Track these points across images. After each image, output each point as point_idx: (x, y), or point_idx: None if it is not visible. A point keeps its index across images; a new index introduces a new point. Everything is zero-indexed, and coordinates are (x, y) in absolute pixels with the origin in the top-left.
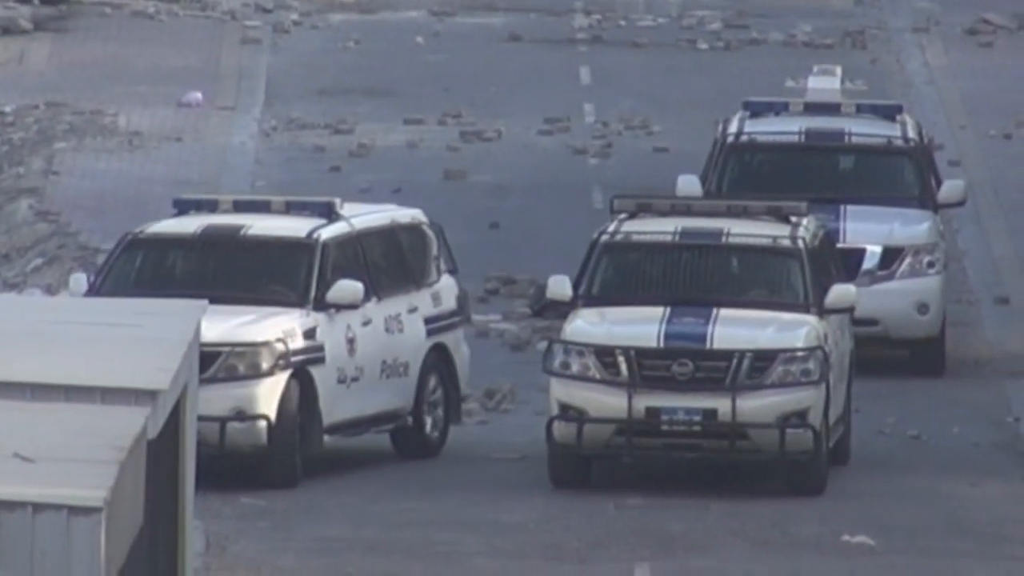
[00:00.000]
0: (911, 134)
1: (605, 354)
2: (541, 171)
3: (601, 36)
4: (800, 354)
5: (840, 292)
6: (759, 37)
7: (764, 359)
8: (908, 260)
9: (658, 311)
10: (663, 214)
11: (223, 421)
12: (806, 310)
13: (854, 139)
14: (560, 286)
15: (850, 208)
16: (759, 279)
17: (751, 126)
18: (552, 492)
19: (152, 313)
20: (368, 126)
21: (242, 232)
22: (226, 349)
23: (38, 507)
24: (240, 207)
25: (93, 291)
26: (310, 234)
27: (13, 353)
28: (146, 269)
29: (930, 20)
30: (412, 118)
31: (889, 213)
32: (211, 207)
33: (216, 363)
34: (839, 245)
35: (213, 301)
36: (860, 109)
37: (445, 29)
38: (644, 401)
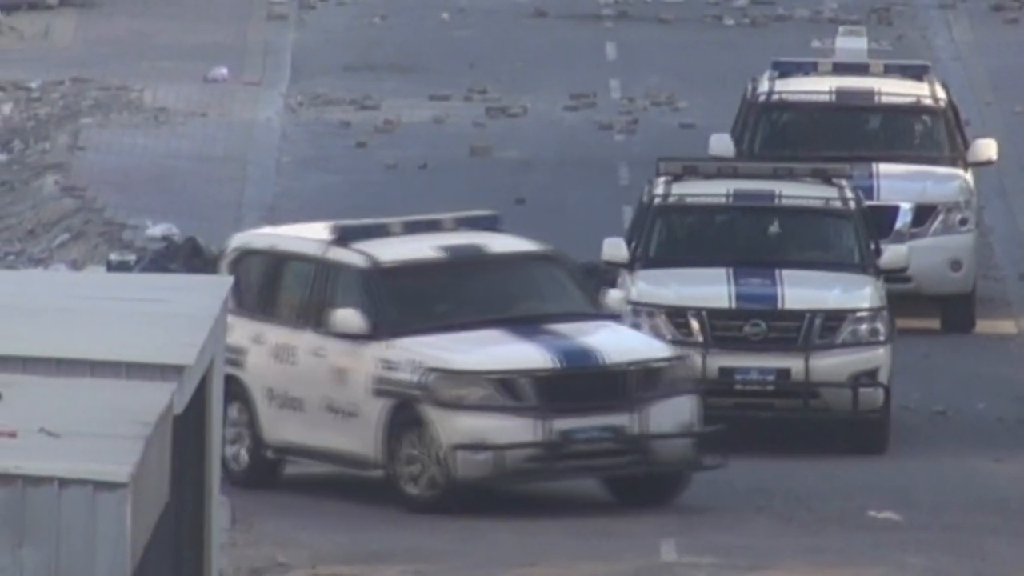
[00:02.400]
0: (939, 93)
1: (677, 315)
2: (567, 147)
3: (627, 12)
4: (867, 314)
5: (894, 252)
6: (785, 13)
7: (834, 319)
8: (941, 217)
9: (721, 272)
10: (709, 176)
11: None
12: (862, 270)
13: (884, 98)
14: (616, 248)
15: (882, 167)
16: (814, 240)
17: (781, 86)
18: None
19: (179, 288)
20: (394, 102)
21: (484, 250)
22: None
23: (64, 482)
24: (411, 228)
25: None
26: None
27: (39, 328)
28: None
29: None
30: (438, 94)
31: (921, 171)
32: (380, 232)
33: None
34: (872, 203)
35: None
36: (888, 69)
37: (470, 5)
38: (718, 361)
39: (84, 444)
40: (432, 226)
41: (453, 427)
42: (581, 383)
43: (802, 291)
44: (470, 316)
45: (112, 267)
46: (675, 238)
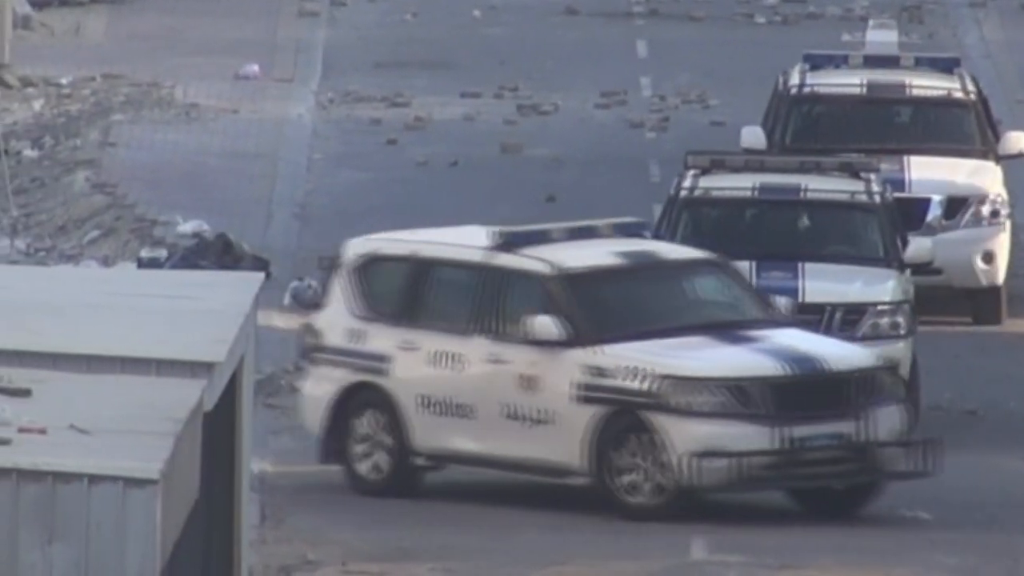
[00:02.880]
0: (970, 87)
1: None
2: (598, 145)
3: (658, 9)
4: (889, 308)
5: (918, 246)
6: (816, 11)
7: (855, 312)
8: (972, 210)
9: (744, 266)
10: (736, 170)
11: None
12: (887, 264)
13: (915, 91)
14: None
15: (913, 159)
16: (838, 234)
17: (813, 78)
18: None
19: (209, 285)
20: (425, 99)
21: (660, 256)
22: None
23: (94, 479)
24: (572, 234)
25: None
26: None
27: (70, 325)
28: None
29: None
30: (469, 91)
31: (953, 163)
32: (543, 238)
33: None
34: (903, 195)
35: None
36: (918, 62)
37: (502, 2)
38: None
39: (114, 441)
40: (590, 232)
41: (689, 434)
42: (811, 390)
43: (824, 284)
44: (667, 322)
45: (143, 264)
46: (701, 231)
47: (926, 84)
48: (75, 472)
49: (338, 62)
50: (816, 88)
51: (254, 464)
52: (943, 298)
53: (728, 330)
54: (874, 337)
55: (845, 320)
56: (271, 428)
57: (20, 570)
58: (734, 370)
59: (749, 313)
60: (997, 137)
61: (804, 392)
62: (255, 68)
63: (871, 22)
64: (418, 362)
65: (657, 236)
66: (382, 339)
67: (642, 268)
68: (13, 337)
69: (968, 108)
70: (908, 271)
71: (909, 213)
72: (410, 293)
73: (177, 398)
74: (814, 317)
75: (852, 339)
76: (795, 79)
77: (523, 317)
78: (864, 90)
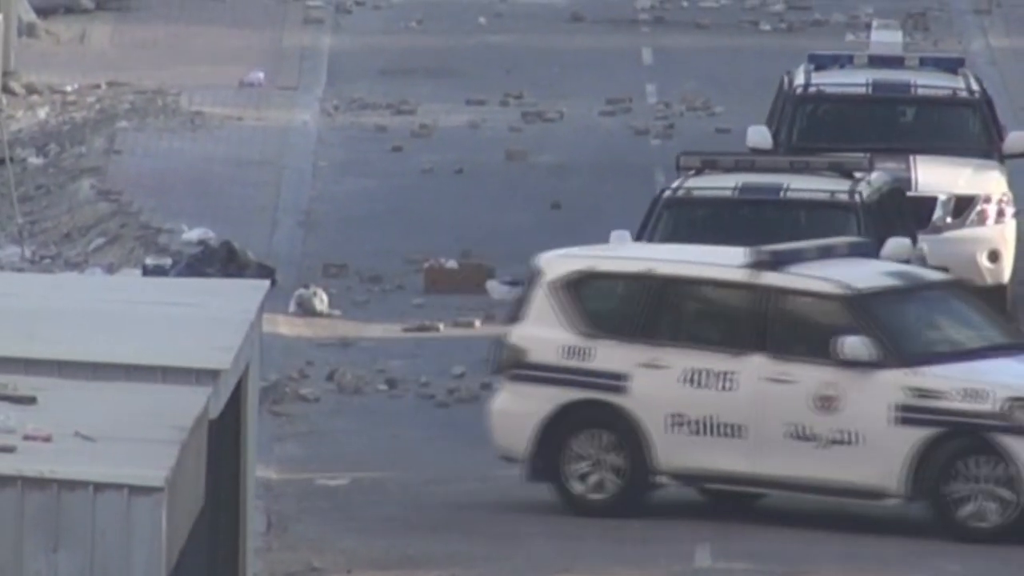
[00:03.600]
0: (975, 86)
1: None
2: (603, 152)
3: (663, 17)
4: None
5: (894, 245)
6: (821, 18)
7: None
8: (978, 209)
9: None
10: (727, 170)
11: None
12: (988, 155)
13: (920, 91)
14: (622, 241)
15: (919, 158)
16: (815, 234)
17: (818, 78)
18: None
19: (214, 292)
20: (430, 106)
21: (925, 277)
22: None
23: (99, 486)
24: (821, 253)
25: None
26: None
27: (75, 332)
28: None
29: (992, 2)
30: (474, 98)
31: (958, 163)
32: (799, 256)
33: None
34: (910, 194)
35: None
36: (923, 62)
37: (507, 9)
38: None
39: (119, 448)
40: (832, 251)
41: None
42: None
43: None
44: (967, 343)
45: (148, 271)
46: (680, 231)
47: (931, 83)
48: (80, 480)
49: (343, 69)
50: (822, 88)
51: (259, 471)
52: None
53: (1015, 351)
54: None
55: None
56: (276, 435)
57: None
58: None
59: (1012, 334)
60: (1002, 137)
61: None
62: (260, 75)
63: (875, 23)
64: (667, 381)
65: (637, 238)
66: (615, 357)
67: (920, 289)
68: (18, 344)
69: (973, 108)
70: None
71: (916, 212)
72: (649, 311)
73: (182, 406)
74: None
75: None
76: (800, 79)
77: (831, 338)
78: (869, 89)
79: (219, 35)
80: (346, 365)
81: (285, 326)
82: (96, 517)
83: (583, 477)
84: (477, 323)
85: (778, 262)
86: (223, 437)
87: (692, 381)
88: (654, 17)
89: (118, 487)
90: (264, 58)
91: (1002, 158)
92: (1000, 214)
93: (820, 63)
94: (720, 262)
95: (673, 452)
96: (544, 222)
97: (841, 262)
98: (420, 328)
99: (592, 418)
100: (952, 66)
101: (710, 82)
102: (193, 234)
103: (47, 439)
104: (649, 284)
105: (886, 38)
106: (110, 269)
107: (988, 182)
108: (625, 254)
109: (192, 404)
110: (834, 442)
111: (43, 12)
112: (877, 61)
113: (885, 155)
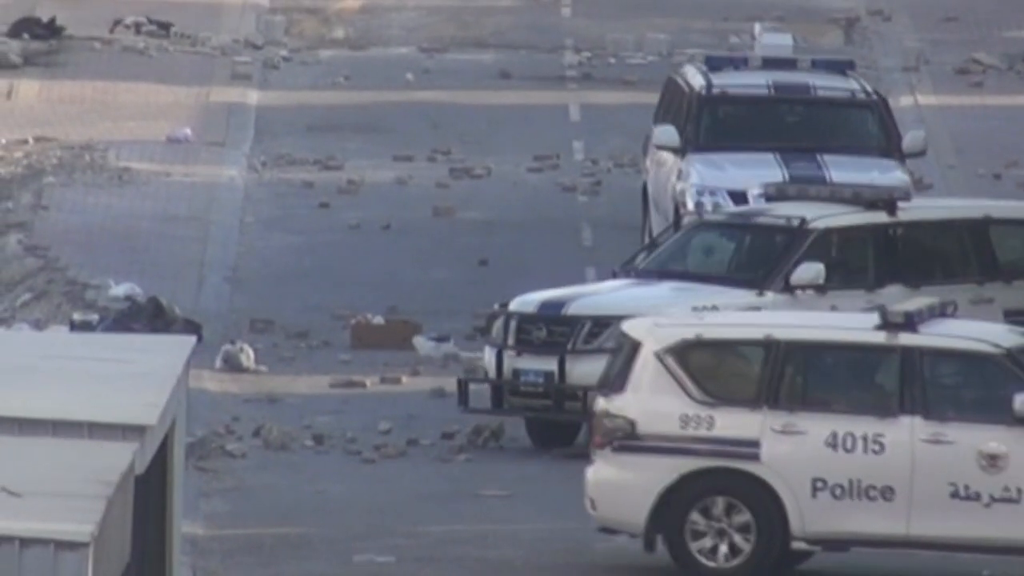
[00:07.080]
0: (869, 88)
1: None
2: (530, 208)
3: (591, 74)
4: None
5: (808, 270)
6: None
7: None
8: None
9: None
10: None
11: None
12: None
13: (820, 92)
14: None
15: (827, 157)
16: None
17: (719, 79)
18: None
19: (141, 348)
20: (357, 162)
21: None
22: None
23: (25, 542)
24: (935, 311)
25: None
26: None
27: (1, 388)
28: None
29: (920, 59)
30: (401, 154)
31: (865, 162)
32: (924, 315)
33: None
34: None
35: None
36: (814, 64)
37: (435, 66)
38: None
39: (46, 503)
40: (944, 308)
41: None
42: None
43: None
44: None
45: (75, 327)
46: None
47: (830, 85)
48: (6, 535)
49: (270, 125)
50: (726, 89)
51: (185, 527)
52: None
53: None
54: None
55: None
56: (202, 491)
57: None
58: None
59: None
60: (899, 135)
61: None
62: (187, 131)
63: (757, 26)
64: (806, 445)
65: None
66: (741, 424)
67: None
68: None
69: (872, 108)
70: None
71: None
72: (773, 376)
73: (109, 461)
74: None
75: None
76: (699, 79)
77: (994, 395)
78: (772, 91)
79: (147, 91)
80: (272, 421)
81: (211, 382)
82: (23, 572)
83: (713, 548)
84: (404, 379)
85: (913, 322)
86: (149, 492)
87: (836, 445)
88: (581, 74)
89: (44, 542)
90: (191, 114)
91: (902, 156)
92: None
93: (715, 64)
94: (851, 325)
95: (816, 517)
96: (471, 278)
97: (957, 319)
98: (347, 384)
99: (714, 485)
100: (841, 68)
101: (637, 139)
102: (120, 290)
103: None
104: (770, 350)
105: (778, 40)
106: (37, 325)
107: (896, 179)
108: (734, 320)
109: (118, 460)
110: (999, 500)
111: None
112: (771, 63)
113: (794, 154)
